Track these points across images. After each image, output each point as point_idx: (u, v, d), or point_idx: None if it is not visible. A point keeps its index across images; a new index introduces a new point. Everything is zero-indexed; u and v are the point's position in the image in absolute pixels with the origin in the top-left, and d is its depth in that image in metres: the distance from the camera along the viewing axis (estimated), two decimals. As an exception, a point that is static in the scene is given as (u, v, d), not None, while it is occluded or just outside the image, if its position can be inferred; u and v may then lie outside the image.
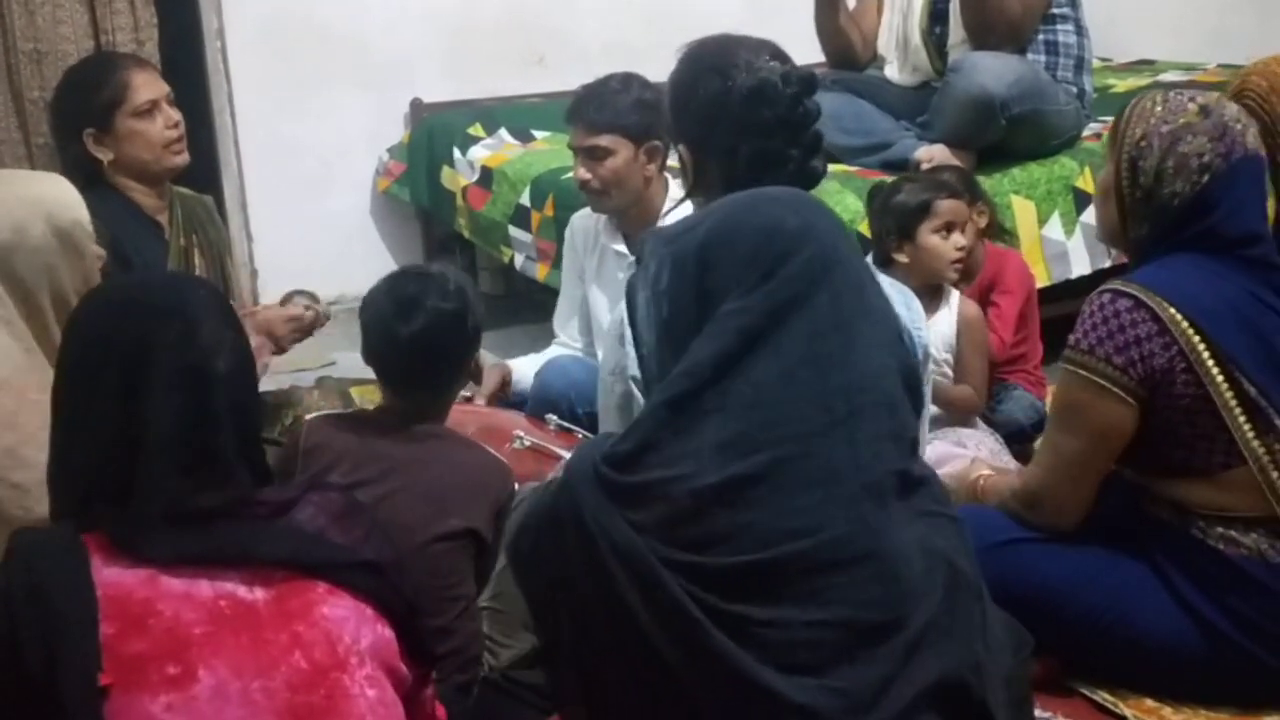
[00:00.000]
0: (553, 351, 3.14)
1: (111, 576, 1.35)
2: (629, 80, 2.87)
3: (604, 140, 2.83)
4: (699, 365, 1.43)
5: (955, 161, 3.45)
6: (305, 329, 2.84)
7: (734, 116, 1.94)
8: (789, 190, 1.61)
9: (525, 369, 3.01)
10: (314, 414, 2.28)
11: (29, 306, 1.90)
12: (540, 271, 3.81)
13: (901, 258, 2.91)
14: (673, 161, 2.22)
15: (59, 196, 1.96)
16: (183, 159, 2.81)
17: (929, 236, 2.88)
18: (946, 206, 2.89)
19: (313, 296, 2.90)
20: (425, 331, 1.98)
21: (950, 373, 2.91)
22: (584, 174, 2.87)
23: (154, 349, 1.41)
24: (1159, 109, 2.05)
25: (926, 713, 1.40)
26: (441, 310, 2.00)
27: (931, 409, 2.77)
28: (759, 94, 1.94)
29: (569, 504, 1.45)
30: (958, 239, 2.89)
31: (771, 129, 1.95)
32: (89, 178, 2.67)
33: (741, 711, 1.37)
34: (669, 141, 2.78)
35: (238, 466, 1.42)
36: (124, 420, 1.39)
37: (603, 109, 2.83)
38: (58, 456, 1.45)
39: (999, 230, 3.31)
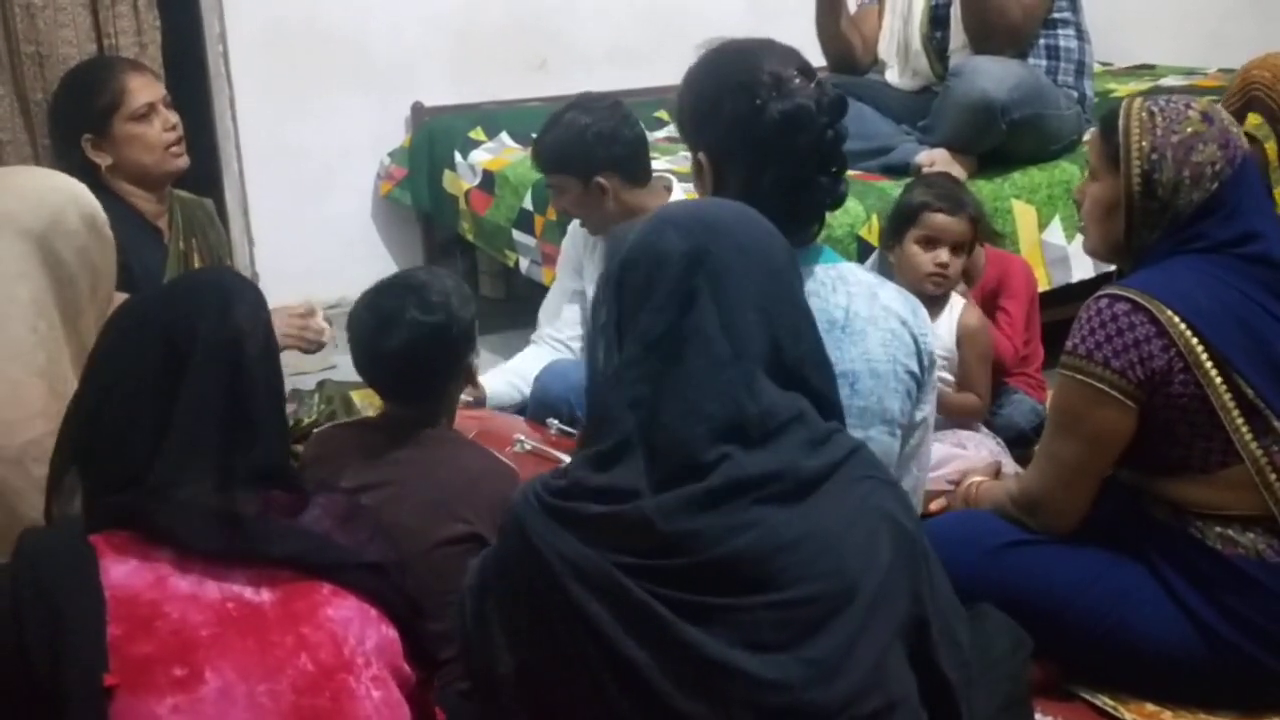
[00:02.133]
0: (529, 354, 3.12)
1: (119, 578, 1.35)
2: (578, 113, 2.86)
3: (552, 180, 2.91)
4: (615, 414, 1.45)
5: (957, 165, 3.46)
6: (306, 331, 2.81)
7: (763, 139, 1.86)
8: (712, 208, 1.58)
9: (494, 382, 2.99)
10: (321, 426, 2.28)
11: (66, 292, 1.93)
12: (546, 275, 3.80)
13: (891, 258, 2.91)
14: (683, 166, 2.21)
15: (78, 187, 2.04)
16: (183, 161, 2.80)
17: (910, 245, 2.86)
18: (933, 220, 2.84)
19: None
20: (405, 347, 1.96)
21: (949, 375, 2.92)
22: (558, 206, 2.98)
23: (196, 326, 1.44)
24: (1159, 119, 2.06)
25: (891, 667, 1.42)
26: (421, 324, 1.96)
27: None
28: (793, 121, 1.86)
29: (516, 531, 1.46)
30: (940, 255, 2.85)
31: (803, 155, 1.88)
32: (88, 183, 2.67)
33: (715, 697, 1.38)
34: (625, 174, 2.81)
35: (273, 448, 1.45)
36: (159, 398, 1.42)
37: (549, 149, 2.87)
38: (83, 431, 1.47)
39: (989, 232, 3.30)
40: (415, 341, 1.96)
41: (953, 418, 2.87)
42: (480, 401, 2.88)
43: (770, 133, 1.86)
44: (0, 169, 2.93)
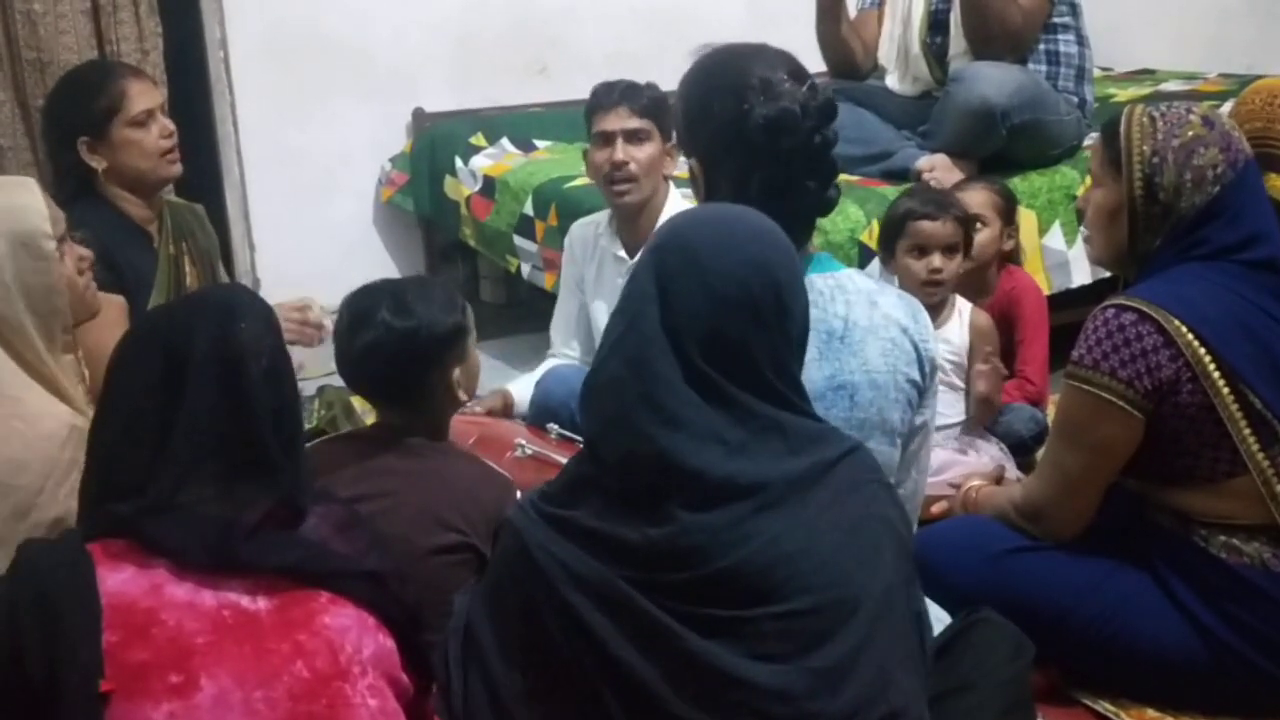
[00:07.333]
0: (549, 365, 3.14)
1: (116, 586, 1.36)
2: (653, 86, 2.96)
3: (646, 125, 2.91)
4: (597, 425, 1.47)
5: (957, 171, 3.46)
6: (305, 325, 2.82)
7: (750, 143, 1.85)
8: (742, 239, 1.55)
9: (524, 391, 3.00)
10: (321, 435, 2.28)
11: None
12: (547, 280, 3.80)
13: (893, 273, 2.92)
14: (680, 171, 2.20)
15: (15, 205, 1.94)
16: (176, 169, 2.80)
17: (902, 255, 2.88)
18: (919, 228, 2.85)
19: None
20: (370, 347, 1.95)
21: (959, 381, 2.91)
22: (621, 156, 2.90)
23: (193, 343, 1.45)
24: (1160, 123, 2.06)
25: (894, 676, 1.43)
26: (390, 327, 1.95)
27: (939, 417, 2.78)
28: (778, 124, 1.84)
29: (513, 541, 1.45)
30: (932, 260, 2.85)
31: (789, 158, 1.86)
32: (81, 186, 2.67)
33: (722, 708, 1.38)
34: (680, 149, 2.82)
35: (283, 471, 1.44)
36: (159, 412, 1.43)
37: (646, 97, 2.92)
38: (89, 441, 1.49)
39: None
40: (381, 343, 1.95)
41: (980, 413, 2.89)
42: (507, 409, 2.93)
43: (756, 136, 1.84)
44: None
